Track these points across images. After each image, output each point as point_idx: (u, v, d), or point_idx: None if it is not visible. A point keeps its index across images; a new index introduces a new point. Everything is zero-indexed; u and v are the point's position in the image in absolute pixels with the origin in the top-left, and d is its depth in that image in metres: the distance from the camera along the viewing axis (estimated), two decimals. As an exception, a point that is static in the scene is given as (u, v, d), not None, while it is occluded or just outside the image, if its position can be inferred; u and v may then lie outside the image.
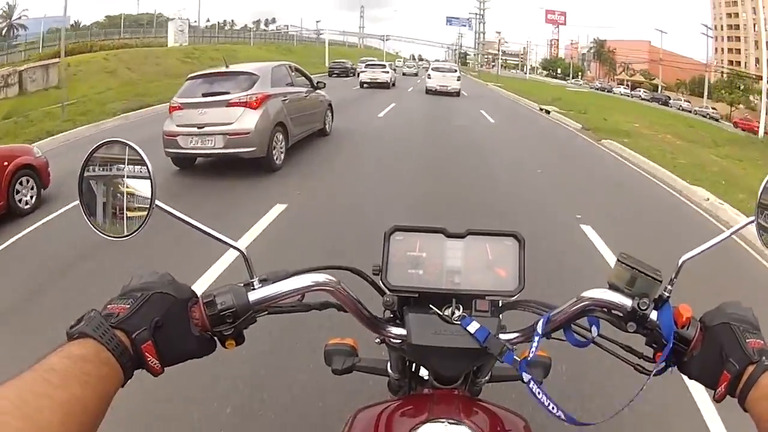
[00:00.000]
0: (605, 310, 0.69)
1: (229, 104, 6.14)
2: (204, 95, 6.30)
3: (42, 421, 0.44)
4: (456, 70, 21.21)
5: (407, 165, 7.14)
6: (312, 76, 8.50)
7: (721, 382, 0.60)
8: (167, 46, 31.59)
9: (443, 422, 0.67)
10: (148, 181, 0.67)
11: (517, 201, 5.52)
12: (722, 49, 51.93)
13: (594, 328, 0.71)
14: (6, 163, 4.90)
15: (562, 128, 12.97)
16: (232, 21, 71.97)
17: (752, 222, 0.71)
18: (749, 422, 0.56)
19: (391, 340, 0.76)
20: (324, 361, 0.98)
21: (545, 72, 74.55)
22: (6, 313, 3.18)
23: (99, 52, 24.36)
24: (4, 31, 35.13)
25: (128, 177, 0.68)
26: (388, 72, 22.64)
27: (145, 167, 0.67)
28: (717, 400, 0.61)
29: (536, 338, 0.69)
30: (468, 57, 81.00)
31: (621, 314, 0.67)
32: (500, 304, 0.75)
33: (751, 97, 45.65)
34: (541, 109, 16.87)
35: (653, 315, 0.66)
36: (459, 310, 0.72)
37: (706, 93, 46.20)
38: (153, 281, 0.63)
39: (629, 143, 10.06)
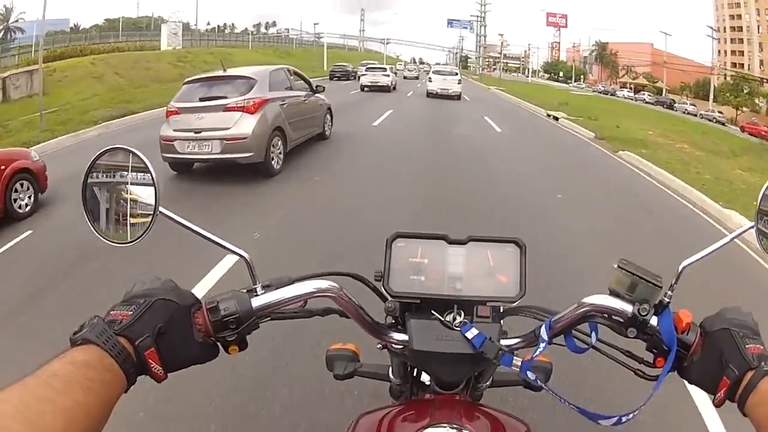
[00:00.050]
0: (606, 315, 0.69)
1: (226, 109, 6.06)
2: (201, 99, 6.22)
3: (44, 426, 0.44)
4: (457, 73, 21.06)
5: (399, 193, 5.79)
6: (311, 80, 8.40)
7: (720, 388, 0.61)
8: (160, 49, 30.91)
9: (445, 427, 0.67)
10: (152, 188, 0.67)
11: (545, 248, 3.97)
12: (725, 51, 51.59)
13: (593, 334, 0.71)
14: (3, 167, 4.90)
15: (574, 138, 12.11)
16: (233, 24, 71.68)
17: (752, 227, 0.73)
18: (749, 426, 0.57)
19: (393, 345, 0.76)
20: (326, 367, 0.98)
21: (547, 75, 74.00)
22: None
23: (87, 57, 23.64)
24: (0, 35, 34.77)
25: (132, 184, 0.68)
26: (388, 75, 22.57)
27: (149, 174, 0.67)
28: (716, 405, 0.62)
29: (542, 344, 0.69)
30: (469, 60, 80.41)
31: (621, 320, 0.68)
32: (501, 310, 0.76)
33: (757, 100, 45.14)
34: (549, 115, 16.06)
35: (653, 321, 0.66)
36: (460, 316, 0.72)
37: (711, 96, 45.55)
38: (156, 287, 0.63)
39: (648, 155, 9.39)
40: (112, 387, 0.53)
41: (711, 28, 51.30)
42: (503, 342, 0.72)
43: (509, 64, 76.25)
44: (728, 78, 47.75)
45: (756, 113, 41.77)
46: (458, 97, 19.65)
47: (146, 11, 60.89)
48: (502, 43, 70.46)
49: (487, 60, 74.30)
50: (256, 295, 0.68)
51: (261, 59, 27.90)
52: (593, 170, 8.27)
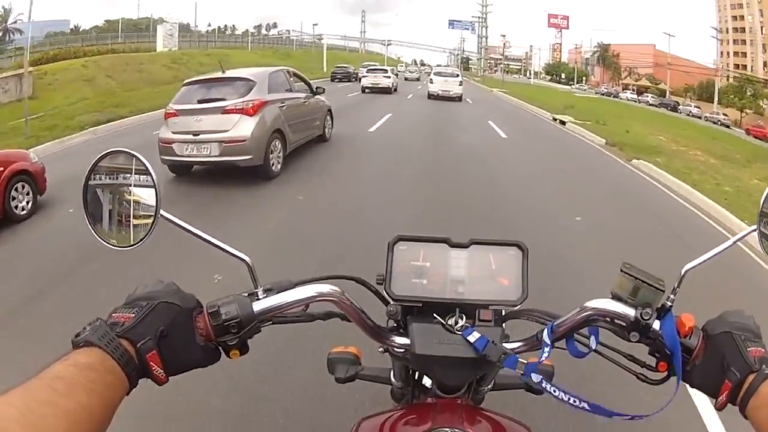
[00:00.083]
0: (608, 319, 0.69)
1: (224, 111, 6.00)
2: (200, 101, 6.15)
3: (47, 429, 0.44)
4: (458, 75, 21.04)
5: (396, 209, 5.27)
6: (311, 82, 8.30)
7: (722, 391, 0.61)
8: (156, 51, 30.43)
9: (447, 431, 0.67)
10: (153, 191, 0.67)
11: (568, 287, 3.39)
12: (727, 53, 51.26)
13: (593, 338, 0.70)
14: (2, 169, 4.88)
15: (584, 144, 11.54)
16: (233, 26, 71.43)
17: (754, 230, 0.72)
18: (750, 429, 0.57)
19: (395, 349, 0.76)
20: (327, 370, 0.98)
21: (549, 77, 73.53)
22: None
23: (79, 59, 23.10)
24: (-1, 36, 34.51)
25: (134, 186, 0.68)
26: (389, 77, 22.50)
27: (150, 177, 0.67)
28: (718, 408, 0.62)
29: (546, 348, 0.69)
30: (470, 62, 79.93)
31: (624, 324, 0.68)
32: (503, 314, 0.76)
33: (761, 102, 44.80)
34: (555, 119, 15.53)
35: (656, 325, 0.66)
36: (462, 320, 0.72)
37: (716, 98, 45.07)
38: (158, 290, 0.64)
39: (664, 164, 8.93)
40: (114, 389, 0.53)
41: (715, 29, 50.88)
42: (506, 346, 0.72)
43: (510, 66, 75.77)
44: (731, 79, 47.34)
45: (760, 115, 41.31)
46: (459, 98, 19.58)
47: (147, 13, 60.55)
48: (504, 44, 69.91)
49: (488, 61, 73.79)
50: (258, 299, 0.68)
51: (259, 60, 27.50)
52: (611, 184, 7.53)
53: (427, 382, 0.87)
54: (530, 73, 70.88)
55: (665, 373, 0.67)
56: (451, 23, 73.43)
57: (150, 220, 0.66)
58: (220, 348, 0.65)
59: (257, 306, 0.66)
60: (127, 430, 0.93)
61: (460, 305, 0.72)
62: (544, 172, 7.69)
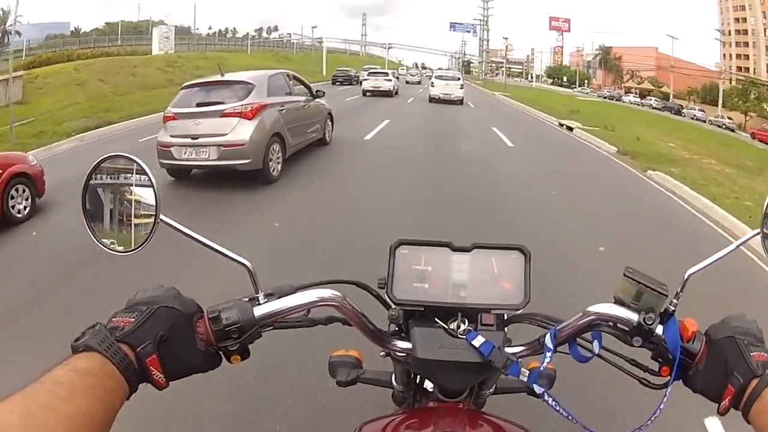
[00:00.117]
0: (611, 324, 0.69)
1: (223, 114, 5.93)
2: (198, 105, 6.09)
3: None
4: (459, 78, 21.11)
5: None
6: (311, 85, 8.23)
7: (725, 396, 0.60)
8: (151, 54, 30.00)
9: None
10: (152, 194, 0.67)
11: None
12: (730, 55, 50.91)
13: (596, 343, 0.70)
14: (0, 171, 4.89)
15: (595, 152, 10.91)
16: (234, 29, 71.19)
17: (758, 234, 0.72)
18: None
19: (397, 353, 0.76)
20: (328, 373, 0.97)
21: (550, 80, 73.15)
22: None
23: (72, 62, 22.67)
24: (-2, 38, 34.38)
25: (135, 185, 0.68)
26: (390, 80, 22.52)
27: (150, 181, 0.67)
28: (721, 413, 0.61)
29: (549, 353, 0.69)
30: (472, 65, 79.48)
31: (627, 329, 0.67)
32: (506, 318, 0.75)
33: (765, 105, 44.42)
34: (562, 125, 15.01)
35: (659, 329, 0.66)
36: (464, 324, 0.71)
37: (720, 102, 44.62)
38: (158, 295, 0.63)
39: (680, 175, 8.45)
40: (114, 394, 0.53)
41: (719, 31, 50.53)
42: (508, 350, 0.72)
43: (512, 69, 75.34)
44: (734, 82, 46.95)
45: (765, 119, 40.86)
46: (460, 101, 19.57)
47: (148, 15, 60.24)
48: (506, 47, 69.57)
49: (489, 65, 73.37)
50: (259, 304, 0.68)
51: (258, 63, 27.05)
52: (631, 202, 6.74)
53: (428, 386, 0.86)
54: (531, 77, 70.45)
55: (668, 378, 0.66)
56: (453, 26, 73.15)
57: (150, 220, 0.66)
58: (220, 353, 0.65)
59: (258, 311, 0.66)
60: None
61: (462, 309, 0.72)
62: (554, 187, 6.99)
